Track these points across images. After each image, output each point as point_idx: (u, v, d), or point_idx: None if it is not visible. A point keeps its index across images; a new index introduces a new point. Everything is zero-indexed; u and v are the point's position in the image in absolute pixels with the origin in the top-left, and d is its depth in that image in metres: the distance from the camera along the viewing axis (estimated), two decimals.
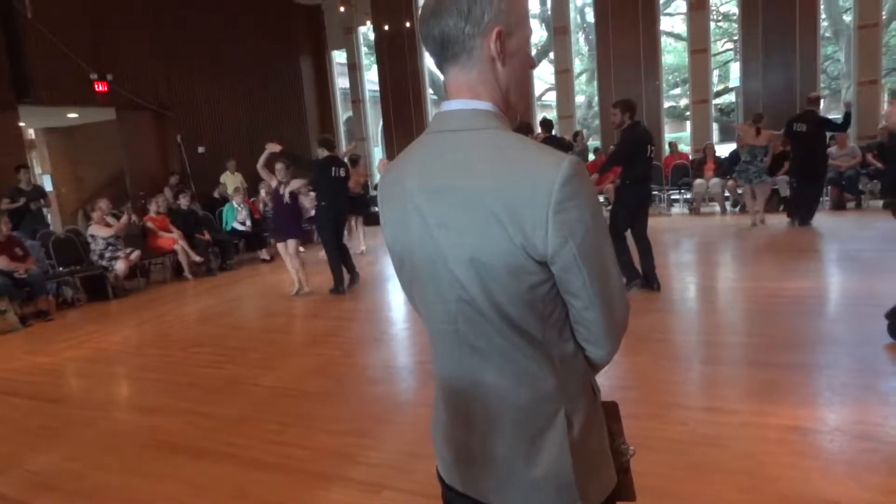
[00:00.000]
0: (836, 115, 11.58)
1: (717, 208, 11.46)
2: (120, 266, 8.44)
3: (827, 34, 17.76)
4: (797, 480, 2.69)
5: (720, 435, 3.16)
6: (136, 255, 8.75)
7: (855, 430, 3.07)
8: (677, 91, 23.40)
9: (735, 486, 2.70)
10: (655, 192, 11.59)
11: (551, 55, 14.81)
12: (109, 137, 11.72)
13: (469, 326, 1.14)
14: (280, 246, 7.67)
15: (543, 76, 19.68)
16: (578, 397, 1.17)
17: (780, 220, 9.59)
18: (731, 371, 4.12)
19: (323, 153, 7.35)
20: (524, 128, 6.94)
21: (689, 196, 11.83)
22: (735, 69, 18.09)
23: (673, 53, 22.09)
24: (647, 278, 6.12)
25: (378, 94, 15.62)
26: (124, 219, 8.91)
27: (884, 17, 14.79)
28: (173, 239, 9.43)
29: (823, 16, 16.93)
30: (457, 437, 1.24)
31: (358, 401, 4.15)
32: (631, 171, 6.02)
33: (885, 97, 14.00)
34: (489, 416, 1.17)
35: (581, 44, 22.79)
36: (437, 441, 1.30)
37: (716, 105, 18.58)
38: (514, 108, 1.17)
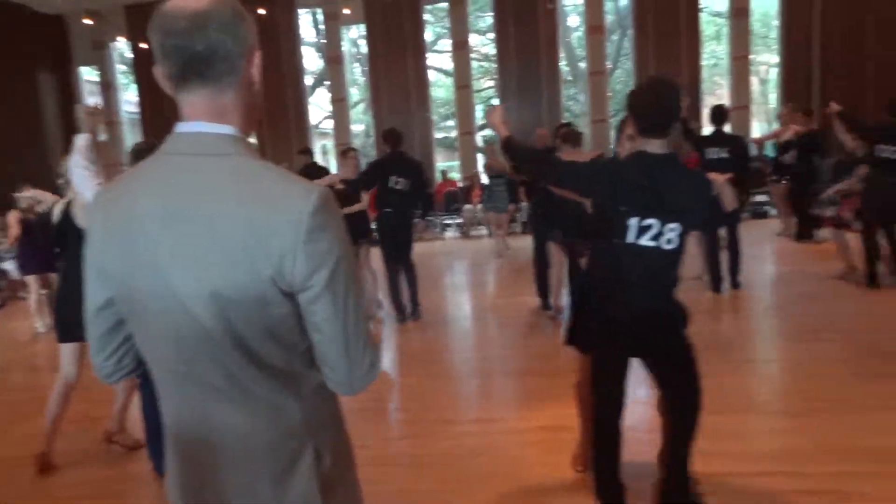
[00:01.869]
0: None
1: (486, 231, 12.41)
2: None
3: (569, 78, 20.44)
4: (550, 476, 2.97)
5: (486, 445, 3.37)
6: None
7: None
8: (450, 123, 25.04)
9: (497, 492, 2.89)
10: (430, 218, 12.21)
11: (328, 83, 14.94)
12: None
13: (207, 366, 1.06)
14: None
15: (321, 104, 19.73)
16: (326, 429, 1.15)
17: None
18: (496, 382, 4.44)
19: None
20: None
21: (460, 221, 12.65)
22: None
23: (443, 88, 23.60)
24: (412, 303, 6.08)
25: (138, 115, 14.34)
26: None
27: (609, 67, 17.40)
28: None
29: (564, 62, 19.44)
30: (192, 489, 1.15)
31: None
32: (378, 200, 5.90)
33: (613, 134, 16.23)
34: (228, 461, 1.10)
35: (357, 74, 23.30)
36: (173, 498, 1.19)
37: (482, 136, 20.24)
38: (246, 134, 1.13)
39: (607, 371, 2.43)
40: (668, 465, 2.44)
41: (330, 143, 15.52)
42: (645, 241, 2.17)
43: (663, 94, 2.18)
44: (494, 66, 14.23)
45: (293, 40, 14.09)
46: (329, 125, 16.85)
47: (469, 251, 10.73)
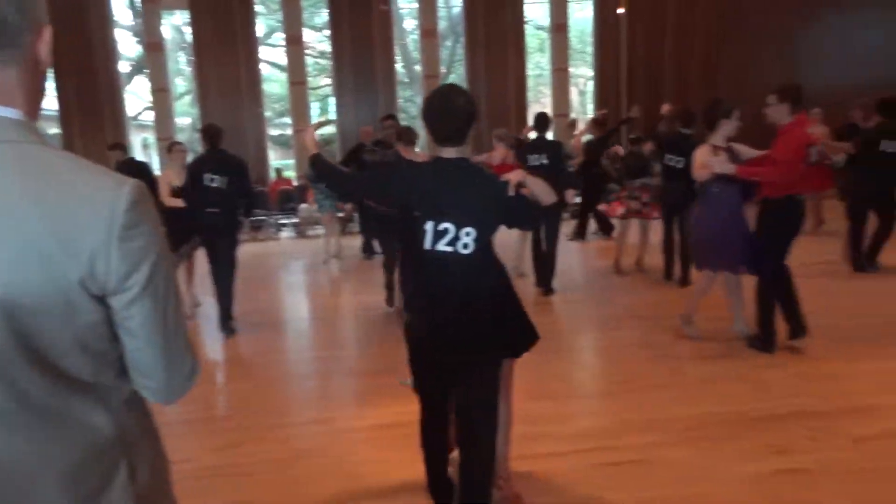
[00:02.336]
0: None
1: (323, 231, 12.20)
2: None
3: (405, 79, 20.74)
4: (382, 474, 2.99)
5: (318, 446, 3.31)
6: None
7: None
8: (286, 120, 24.24)
9: (328, 493, 2.85)
10: (262, 217, 11.74)
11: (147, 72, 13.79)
12: None
13: None
14: None
15: (141, 94, 18.14)
16: (141, 441, 1.04)
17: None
18: (333, 383, 4.38)
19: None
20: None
21: (296, 220, 12.31)
22: (333, 103, 19.66)
23: (278, 83, 22.81)
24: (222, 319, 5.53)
25: None
26: None
27: (443, 71, 17.90)
28: None
29: (401, 64, 19.69)
30: None
31: None
32: (194, 199, 5.49)
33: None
34: (20, 495, 0.94)
35: (183, 63, 21.77)
36: None
37: (320, 135, 19.86)
38: (33, 120, 0.99)
39: (422, 379, 2.43)
40: (465, 487, 2.35)
41: (151, 137, 14.34)
42: (442, 246, 2.15)
43: (454, 103, 2.17)
44: (331, 63, 14.03)
45: (105, 22, 12.81)
46: (150, 117, 15.56)
47: (305, 251, 10.47)
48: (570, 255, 8.52)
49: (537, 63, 20.00)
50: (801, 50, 13.18)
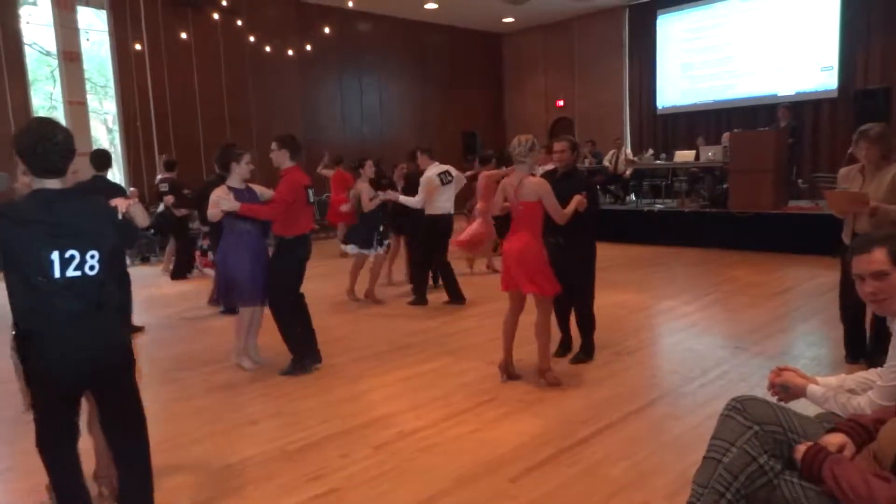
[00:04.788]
0: None
1: None
2: None
3: None
4: None
5: None
6: None
7: None
8: None
9: None
10: None
11: None
12: None
13: None
14: None
15: None
16: None
17: None
18: None
19: None
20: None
21: None
22: None
23: None
24: None
25: None
26: None
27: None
28: None
29: None
30: None
31: None
32: None
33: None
34: None
35: None
36: None
37: None
38: None
39: (52, 415, 2.36)
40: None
41: None
42: (71, 272, 2.23)
43: (53, 138, 2.23)
44: None
45: None
46: None
47: None
48: None
49: (48, 93, 17.44)
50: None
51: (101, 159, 5.79)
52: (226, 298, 5.00)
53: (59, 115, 11.75)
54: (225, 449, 3.56)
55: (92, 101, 13.10)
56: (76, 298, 2.26)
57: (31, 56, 12.30)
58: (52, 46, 12.52)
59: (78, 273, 2.25)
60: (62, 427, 2.38)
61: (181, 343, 5.94)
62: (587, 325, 4.79)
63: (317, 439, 3.64)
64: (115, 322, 2.45)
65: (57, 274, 2.21)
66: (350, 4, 13.17)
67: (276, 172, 4.83)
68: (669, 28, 15.46)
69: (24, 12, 12.08)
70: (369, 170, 7.08)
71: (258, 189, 4.88)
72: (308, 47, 14.03)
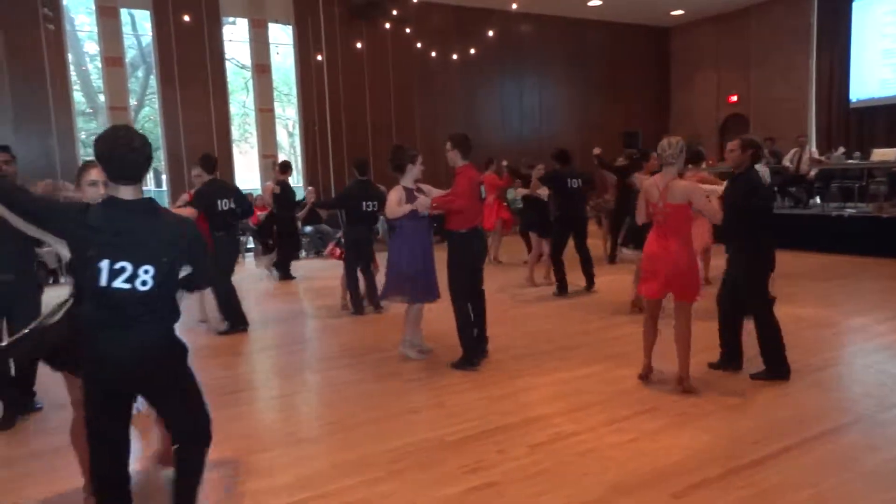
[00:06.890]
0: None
1: None
2: None
3: (89, 110, 18.39)
4: None
5: None
6: None
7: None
8: None
9: None
10: None
11: None
12: None
13: None
14: None
15: None
16: None
17: None
18: None
19: None
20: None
21: None
22: None
23: None
24: None
25: None
26: None
27: (134, 103, 16.42)
28: None
29: (80, 92, 17.46)
30: None
31: None
32: None
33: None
34: None
35: None
36: None
37: None
38: None
39: (103, 413, 2.36)
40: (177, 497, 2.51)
41: None
42: (119, 283, 2.19)
43: (129, 143, 2.22)
44: None
45: None
46: None
47: None
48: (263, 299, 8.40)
49: (242, 102, 19.56)
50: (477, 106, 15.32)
51: (209, 163, 6.11)
52: (394, 295, 5.16)
53: (251, 122, 13.10)
54: (388, 433, 3.78)
55: (276, 108, 14.46)
56: (113, 311, 2.22)
57: (228, 69, 13.84)
58: (247, 60, 14.02)
59: (127, 286, 2.19)
60: (104, 426, 2.36)
61: (346, 333, 6.37)
62: (767, 339, 4.41)
63: (475, 433, 3.73)
64: (156, 332, 2.34)
65: (103, 282, 2.18)
66: (514, 7, 13.29)
67: (436, 174, 5.08)
68: (868, 12, 13.78)
69: (227, 31, 13.63)
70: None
71: (426, 188, 5.13)
72: (472, 51, 14.40)
